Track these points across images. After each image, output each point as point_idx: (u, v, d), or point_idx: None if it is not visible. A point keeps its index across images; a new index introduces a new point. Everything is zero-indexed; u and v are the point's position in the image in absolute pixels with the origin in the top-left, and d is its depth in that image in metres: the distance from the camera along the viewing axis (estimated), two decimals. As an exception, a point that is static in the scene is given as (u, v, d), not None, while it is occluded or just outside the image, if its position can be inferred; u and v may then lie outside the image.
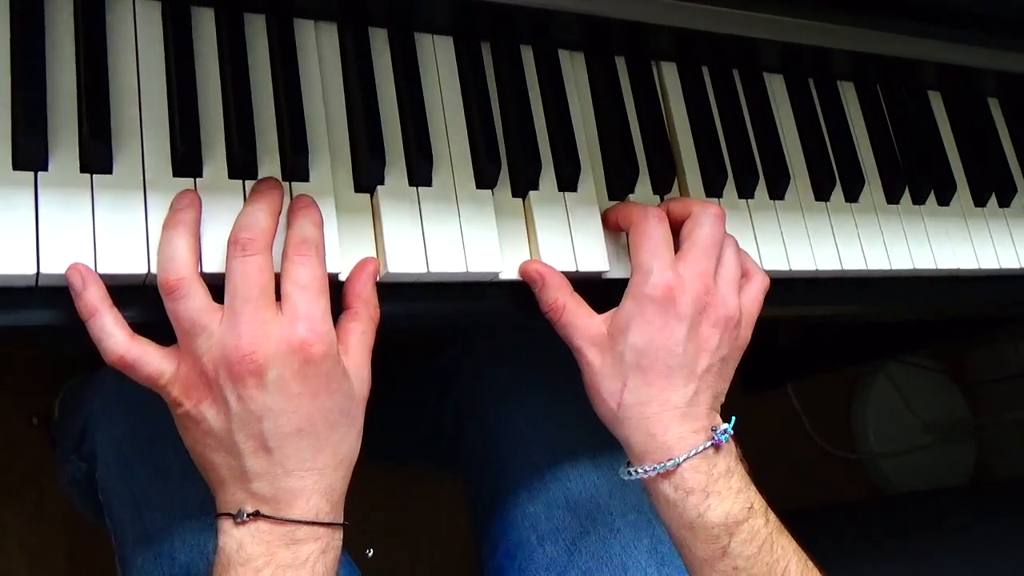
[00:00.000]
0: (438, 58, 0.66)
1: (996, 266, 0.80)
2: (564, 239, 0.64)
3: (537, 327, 0.63)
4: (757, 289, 0.64)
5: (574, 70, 0.70)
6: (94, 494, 0.77)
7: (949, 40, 0.78)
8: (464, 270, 0.60)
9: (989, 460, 1.84)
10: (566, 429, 0.79)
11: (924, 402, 1.78)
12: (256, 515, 0.52)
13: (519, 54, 0.68)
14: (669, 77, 0.74)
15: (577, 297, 0.62)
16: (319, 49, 0.62)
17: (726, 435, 0.59)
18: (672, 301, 0.59)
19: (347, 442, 0.55)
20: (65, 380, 1.10)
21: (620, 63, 0.72)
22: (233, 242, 0.52)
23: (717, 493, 0.58)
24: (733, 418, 0.61)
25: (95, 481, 0.76)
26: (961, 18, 0.76)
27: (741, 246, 0.65)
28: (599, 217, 0.66)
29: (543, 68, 0.68)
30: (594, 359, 0.61)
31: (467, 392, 0.85)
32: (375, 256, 0.59)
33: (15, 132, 0.51)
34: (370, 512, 1.32)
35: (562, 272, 0.63)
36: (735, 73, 0.76)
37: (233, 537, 0.52)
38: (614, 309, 0.61)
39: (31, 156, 0.51)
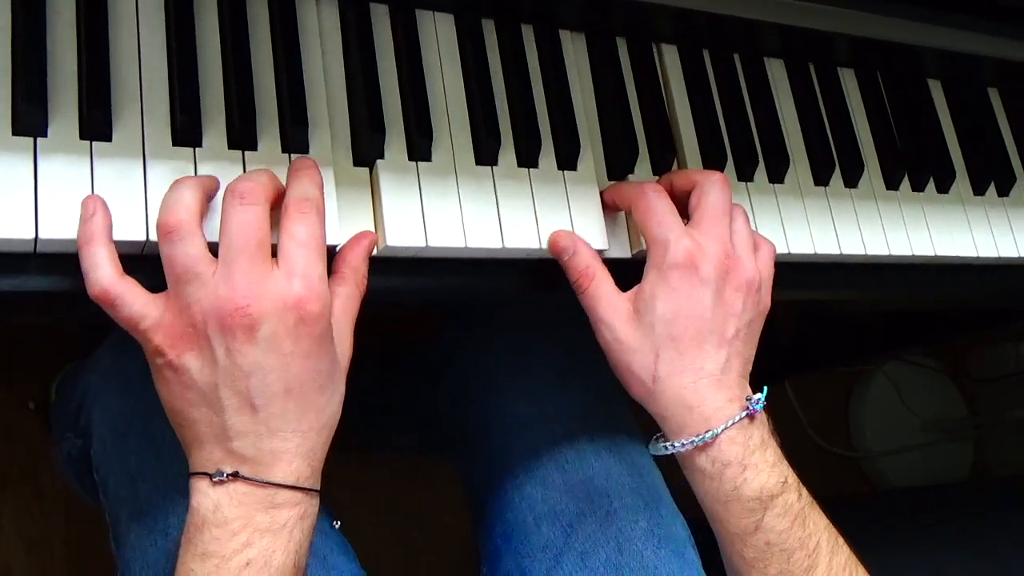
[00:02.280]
0: (439, 35, 0.66)
1: (995, 254, 0.80)
2: (563, 217, 0.64)
3: (536, 305, 0.63)
4: (768, 255, 0.64)
5: (575, 51, 0.70)
6: (90, 472, 0.77)
7: (950, 27, 0.78)
8: (463, 245, 0.60)
9: (987, 459, 1.84)
10: (563, 411, 0.79)
11: (922, 400, 1.78)
12: (235, 476, 0.51)
13: (520, 32, 0.68)
14: (670, 59, 0.74)
15: (606, 270, 0.61)
16: (320, 23, 0.62)
17: (760, 404, 0.59)
18: (695, 267, 0.58)
19: (331, 406, 0.54)
20: (63, 366, 1.10)
21: (621, 45, 0.72)
22: (231, 191, 0.51)
23: (754, 466, 0.58)
24: (765, 388, 0.60)
25: (91, 459, 0.76)
26: (963, 5, 0.76)
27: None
28: (598, 196, 0.66)
29: (544, 47, 0.68)
30: (622, 334, 0.60)
31: (463, 376, 0.85)
32: (374, 230, 0.59)
33: (15, 98, 0.51)
34: (367, 502, 1.32)
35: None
36: (736, 57, 0.76)
37: (209, 497, 0.51)
38: (636, 287, 0.60)
39: (31, 122, 0.51)
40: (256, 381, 0.50)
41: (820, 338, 1.50)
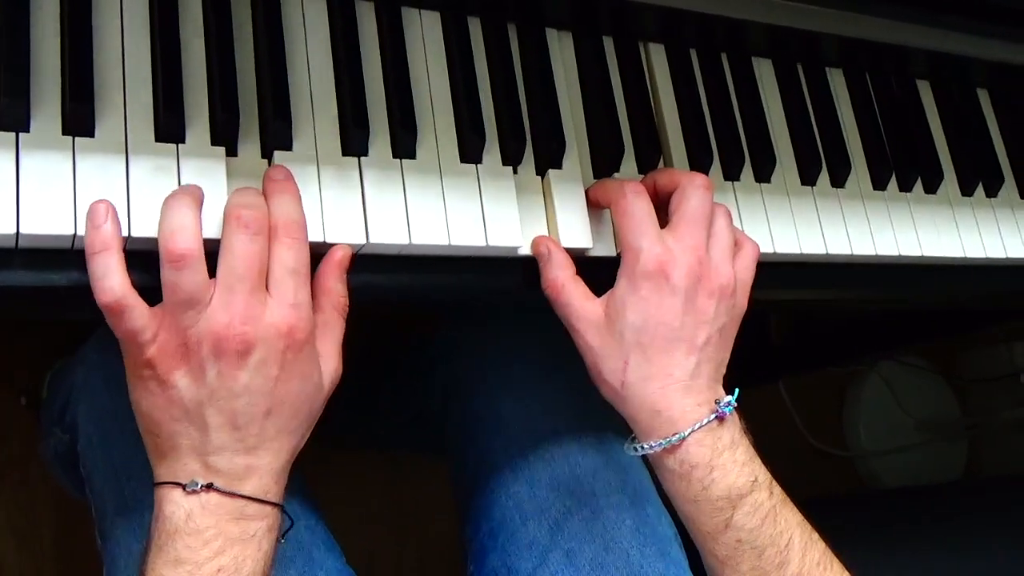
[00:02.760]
0: (425, 33, 0.66)
1: (982, 255, 0.80)
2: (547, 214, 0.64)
3: (523, 305, 0.63)
4: (749, 256, 0.64)
5: (561, 49, 0.70)
6: (76, 467, 0.77)
7: (939, 27, 0.78)
8: (447, 243, 0.61)
9: (980, 459, 1.85)
10: (551, 410, 0.80)
11: (916, 400, 1.78)
12: (209, 487, 0.52)
13: (506, 30, 0.68)
14: (657, 59, 0.74)
15: (577, 279, 0.62)
16: (305, 20, 0.62)
17: (729, 407, 0.60)
18: (665, 275, 0.59)
19: (302, 430, 0.56)
20: (55, 361, 1.11)
21: (608, 43, 0.72)
22: (236, 217, 0.52)
23: (721, 466, 0.59)
24: (736, 390, 0.61)
25: (77, 454, 0.76)
26: (952, 5, 0.76)
27: (725, 227, 0.65)
28: (583, 194, 0.66)
29: (529, 46, 0.68)
30: (593, 340, 0.61)
31: (453, 373, 0.85)
32: (360, 226, 0.59)
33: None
34: (357, 501, 1.33)
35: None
36: (723, 57, 0.77)
37: (181, 507, 0.52)
38: (609, 291, 0.61)
39: (13, 117, 0.51)
40: (243, 402, 0.52)
41: (814, 338, 1.50)
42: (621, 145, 0.68)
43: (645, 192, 0.62)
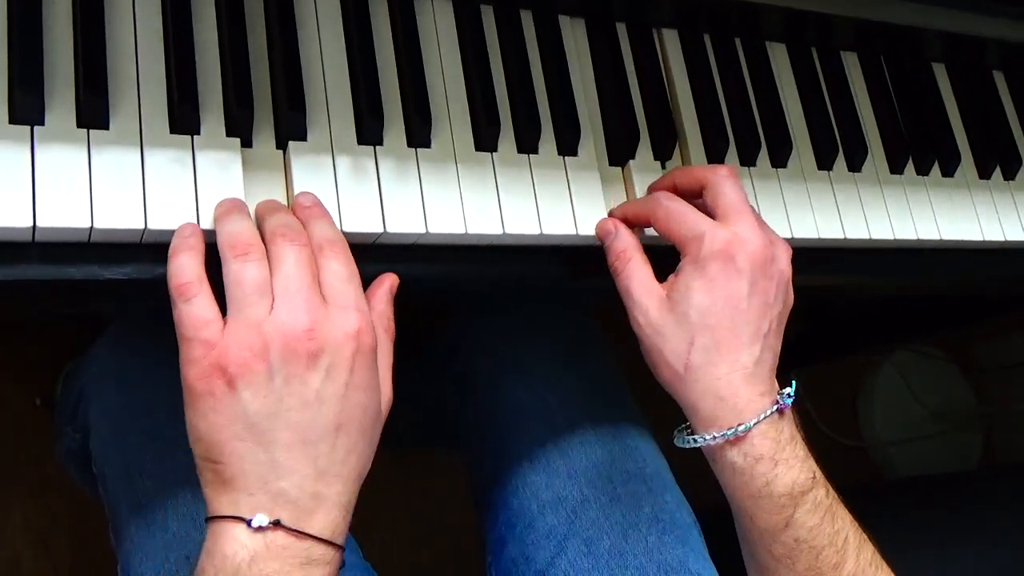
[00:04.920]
0: (438, 22, 0.65)
1: (1000, 238, 0.80)
2: (564, 203, 0.64)
3: (537, 295, 0.62)
4: (788, 254, 0.63)
5: (575, 36, 0.70)
6: (89, 467, 0.76)
7: (955, 8, 0.78)
8: (463, 231, 0.60)
9: (995, 448, 1.84)
10: (567, 400, 0.79)
11: (930, 390, 1.77)
12: (276, 524, 0.48)
13: (519, 18, 0.67)
14: (671, 45, 0.73)
15: (645, 257, 0.61)
16: (318, 10, 0.62)
17: (790, 399, 0.58)
18: (731, 257, 0.58)
19: (370, 452, 0.53)
20: (69, 362, 1.11)
21: (621, 30, 0.72)
22: (280, 234, 0.51)
23: (784, 461, 0.57)
24: (794, 382, 0.59)
25: (90, 453, 0.76)
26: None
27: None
28: (599, 181, 0.65)
29: (543, 33, 0.68)
30: (655, 318, 0.59)
31: (470, 365, 0.85)
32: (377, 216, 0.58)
33: (11, 86, 0.51)
34: (371, 496, 1.32)
35: (561, 235, 0.63)
36: (737, 42, 0.76)
37: (244, 546, 0.47)
38: (670, 277, 0.60)
39: (28, 110, 0.51)
40: (311, 413, 0.49)
41: (828, 328, 1.49)
42: (636, 132, 0.68)
43: (674, 194, 0.62)
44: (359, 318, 0.51)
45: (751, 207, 0.61)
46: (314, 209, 0.55)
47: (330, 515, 0.50)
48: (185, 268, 0.50)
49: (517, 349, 0.83)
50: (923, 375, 1.78)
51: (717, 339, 0.57)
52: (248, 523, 0.48)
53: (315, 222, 0.54)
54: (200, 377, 0.48)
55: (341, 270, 0.52)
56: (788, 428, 0.58)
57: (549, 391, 0.80)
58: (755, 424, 0.57)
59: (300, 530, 0.48)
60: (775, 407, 0.58)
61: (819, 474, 0.59)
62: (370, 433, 0.52)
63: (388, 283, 0.57)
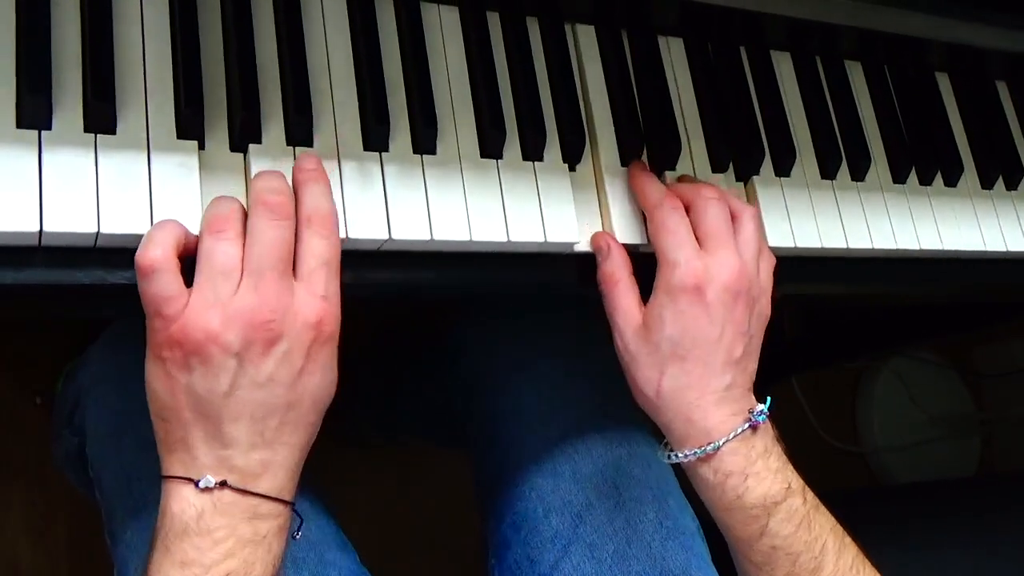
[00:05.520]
0: (444, 28, 0.65)
1: (1003, 248, 0.80)
2: (568, 211, 0.64)
3: (541, 303, 0.62)
4: (769, 266, 0.65)
5: (582, 43, 0.70)
6: (86, 469, 0.76)
7: (958, 19, 0.78)
8: (467, 239, 0.60)
9: (993, 454, 1.84)
10: (575, 404, 0.80)
11: (929, 396, 1.78)
12: (223, 484, 0.50)
13: (525, 25, 0.67)
14: (676, 53, 0.74)
15: (633, 281, 0.63)
16: (324, 15, 0.62)
17: (763, 416, 0.60)
18: (702, 291, 0.59)
19: (316, 427, 0.54)
20: (71, 361, 1.11)
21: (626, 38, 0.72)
22: (262, 202, 0.51)
23: (755, 474, 0.59)
24: (768, 399, 0.61)
25: (87, 456, 0.76)
26: (970, -5, 0.75)
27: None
28: (607, 190, 0.65)
29: (549, 40, 0.68)
30: (632, 345, 0.61)
31: (476, 366, 0.85)
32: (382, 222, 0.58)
33: (19, 90, 0.51)
34: (371, 498, 1.32)
35: (564, 243, 0.63)
36: (742, 50, 0.76)
37: (192, 504, 0.50)
38: (648, 302, 0.61)
39: (35, 114, 0.51)
40: (263, 394, 0.50)
41: (826, 334, 1.49)
42: (641, 139, 0.68)
43: (682, 206, 0.62)
44: (324, 307, 0.51)
45: (731, 233, 0.62)
46: (312, 173, 0.54)
47: (276, 477, 0.52)
48: (149, 247, 0.50)
49: (523, 352, 0.83)
50: (922, 381, 1.78)
51: (687, 370, 0.60)
52: (196, 484, 0.50)
53: (310, 187, 0.54)
54: (158, 346, 0.50)
55: (320, 250, 0.52)
56: (761, 442, 0.60)
57: (556, 395, 0.80)
58: (724, 443, 0.59)
59: (247, 489, 0.50)
60: (746, 425, 0.60)
61: (796, 483, 0.61)
62: (323, 406, 0.54)
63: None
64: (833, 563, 0.60)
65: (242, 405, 0.50)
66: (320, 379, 0.52)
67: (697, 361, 0.59)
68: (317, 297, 0.51)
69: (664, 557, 0.72)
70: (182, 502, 0.50)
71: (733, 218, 0.63)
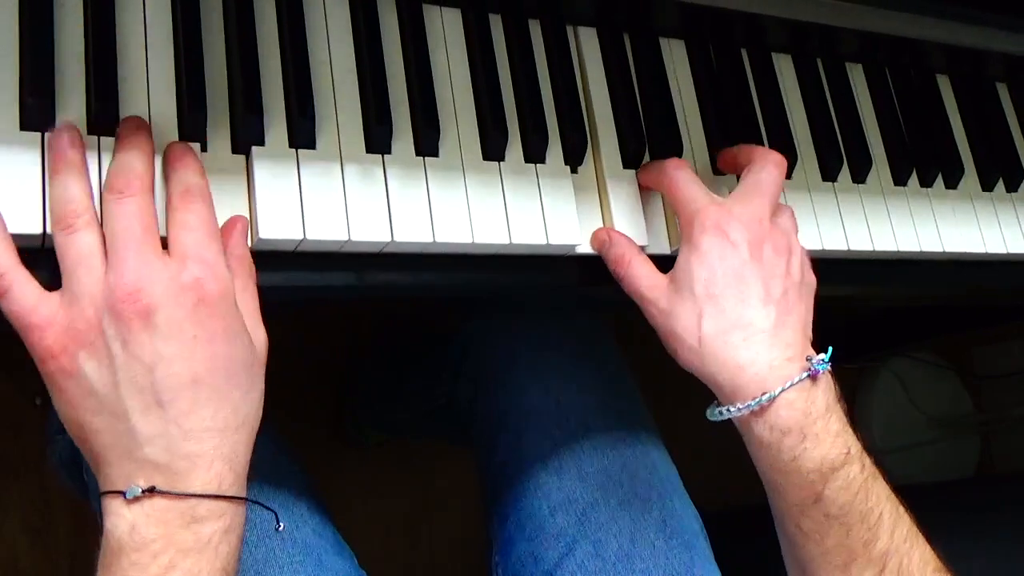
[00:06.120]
0: (446, 30, 0.65)
1: (1003, 250, 0.80)
2: (570, 213, 0.64)
3: (547, 303, 0.62)
4: (799, 245, 0.63)
5: (586, 46, 0.70)
6: (81, 474, 0.75)
7: (958, 21, 0.78)
8: (470, 241, 0.60)
9: (993, 455, 1.84)
10: (581, 403, 0.80)
11: (928, 397, 1.78)
12: (151, 491, 0.46)
13: (527, 27, 0.68)
14: (677, 54, 0.74)
15: (643, 255, 0.62)
16: (327, 18, 0.62)
17: (824, 364, 0.55)
18: (723, 231, 0.58)
19: (249, 401, 0.50)
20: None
21: (627, 40, 0.72)
22: (108, 188, 0.49)
23: (814, 435, 0.54)
24: (830, 348, 0.57)
25: (81, 460, 0.75)
26: (971, -1, 0.76)
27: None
28: (608, 190, 0.66)
29: (551, 43, 0.68)
30: (663, 302, 0.59)
31: (483, 363, 0.85)
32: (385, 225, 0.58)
33: (22, 92, 0.51)
34: (367, 503, 1.33)
35: (567, 245, 0.63)
36: (743, 52, 0.76)
37: (124, 518, 0.46)
38: (675, 262, 0.61)
39: (38, 116, 0.51)
40: (160, 373, 0.46)
41: (824, 336, 1.49)
42: (643, 141, 0.68)
43: (686, 163, 0.62)
44: (200, 267, 0.47)
45: (773, 194, 0.61)
46: (180, 158, 0.52)
47: (212, 470, 0.47)
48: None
49: (531, 350, 0.83)
50: (921, 382, 1.78)
51: (724, 307, 0.57)
52: (123, 495, 0.46)
53: (177, 170, 0.51)
54: (42, 361, 0.47)
55: (188, 218, 0.49)
56: (823, 398, 0.55)
57: (562, 393, 0.80)
58: (780, 392, 0.54)
59: (178, 491, 0.46)
60: (805, 373, 0.55)
61: (855, 448, 0.56)
62: (242, 381, 0.49)
63: (240, 225, 0.54)
64: (888, 535, 0.56)
65: (142, 393, 0.46)
66: (225, 345, 0.48)
67: (733, 298, 0.56)
68: (187, 258, 0.48)
69: (667, 556, 0.72)
70: (114, 517, 0.46)
71: None
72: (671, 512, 0.75)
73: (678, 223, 0.62)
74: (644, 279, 0.61)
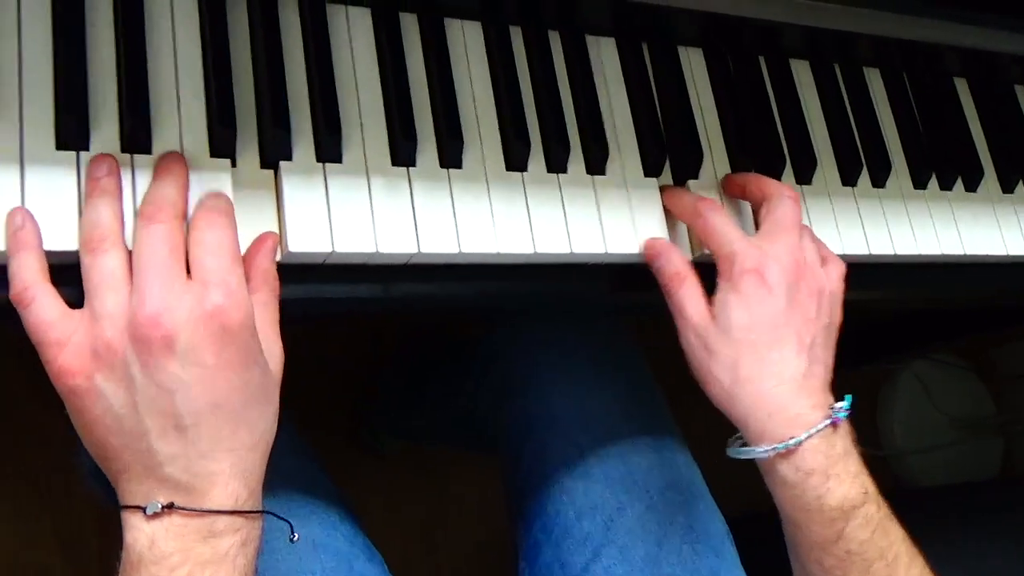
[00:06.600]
0: (467, 43, 0.66)
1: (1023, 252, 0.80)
2: (593, 222, 0.65)
3: (570, 311, 0.63)
4: (839, 271, 0.65)
5: (603, 56, 0.71)
6: (108, 481, 0.76)
7: (975, 25, 0.78)
8: (495, 251, 0.61)
9: (1016, 456, 1.83)
10: (606, 409, 0.80)
11: (950, 398, 1.77)
12: (170, 507, 0.47)
13: (547, 38, 0.68)
14: (695, 62, 0.74)
15: (696, 276, 0.62)
16: (351, 34, 0.63)
17: (844, 412, 0.59)
18: (762, 275, 0.59)
19: (264, 420, 0.51)
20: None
21: (646, 49, 0.73)
22: (140, 214, 0.50)
23: (836, 476, 0.58)
24: (848, 396, 0.60)
25: None
26: (987, 3, 0.76)
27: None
28: (628, 200, 0.66)
29: (571, 53, 0.69)
30: (705, 338, 0.60)
31: (505, 371, 0.86)
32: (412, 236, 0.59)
33: (58, 113, 0.53)
34: (389, 509, 1.33)
35: (591, 254, 0.64)
36: (761, 59, 0.77)
37: (144, 532, 0.47)
38: (713, 297, 0.61)
39: (74, 137, 0.52)
40: (180, 398, 0.47)
41: (846, 338, 1.49)
42: (664, 150, 0.69)
43: (719, 206, 0.63)
44: (222, 293, 0.48)
45: (799, 228, 0.62)
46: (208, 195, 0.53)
47: (228, 487, 0.49)
48: (18, 274, 0.48)
49: (553, 357, 0.84)
50: (943, 383, 1.77)
51: (760, 355, 0.59)
52: (144, 511, 0.47)
53: (201, 196, 0.53)
54: (58, 378, 0.48)
55: (211, 241, 0.50)
56: (841, 442, 0.59)
57: (588, 398, 0.81)
58: (807, 438, 0.57)
59: (196, 508, 0.48)
60: (828, 421, 0.58)
61: (872, 489, 0.59)
62: (259, 402, 0.50)
63: (270, 242, 0.55)
64: (904, 571, 0.59)
65: (162, 417, 0.47)
66: (243, 372, 0.49)
67: (770, 346, 0.59)
68: (211, 284, 0.48)
69: (694, 561, 0.72)
70: (134, 531, 0.48)
71: None
72: (697, 516, 0.75)
73: (715, 258, 0.62)
74: (692, 306, 0.61)
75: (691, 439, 0.82)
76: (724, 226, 0.62)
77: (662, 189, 0.67)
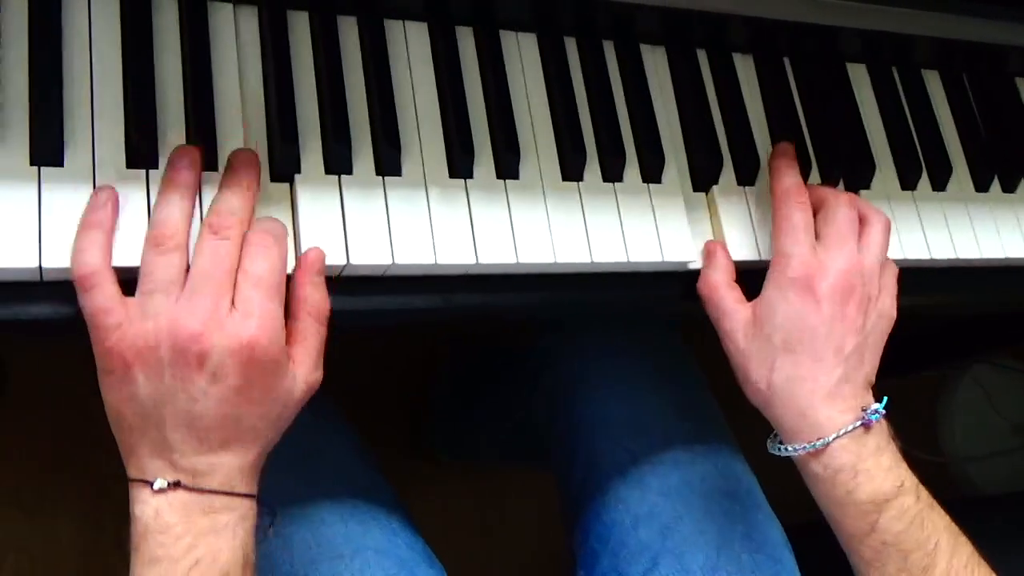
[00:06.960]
0: (523, 55, 0.67)
1: (1090, 254, 0.78)
2: (649, 230, 0.65)
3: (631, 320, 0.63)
4: (893, 272, 0.65)
5: (656, 64, 0.71)
6: None
7: (1035, 24, 0.77)
8: (552, 260, 0.62)
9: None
10: (661, 416, 0.80)
11: (1011, 404, 1.73)
12: (176, 485, 0.51)
13: (601, 49, 0.69)
14: (747, 69, 0.74)
15: (734, 284, 0.64)
16: (408, 49, 0.64)
17: (876, 415, 0.60)
18: (811, 285, 0.60)
19: (273, 432, 0.55)
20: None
21: (702, 57, 0.73)
22: (207, 224, 0.53)
23: (866, 471, 0.59)
24: (885, 399, 0.62)
25: None
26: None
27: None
28: (683, 207, 0.66)
29: (625, 62, 0.69)
30: (742, 342, 0.62)
31: (558, 379, 0.86)
32: (469, 246, 0.60)
33: (128, 132, 0.54)
34: (445, 516, 1.34)
35: (648, 262, 0.64)
36: (817, 63, 0.76)
37: (150, 505, 0.51)
38: (758, 296, 0.62)
39: (143, 156, 0.54)
40: (200, 408, 0.51)
41: (906, 342, 1.46)
42: (720, 157, 0.69)
43: (809, 206, 0.63)
44: (260, 328, 0.51)
45: (854, 236, 0.63)
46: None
47: (229, 475, 0.53)
48: (85, 253, 0.51)
49: (606, 363, 0.84)
50: (1004, 389, 1.74)
51: (797, 362, 0.60)
52: (151, 485, 0.51)
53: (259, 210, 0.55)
54: (102, 357, 0.51)
55: (256, 273, 0.52)
56: (874, 440, 0.60)
57: (641, 406, 0.81)
58: (834, 439, 0.59)
59: (198, 487, 0.52)
60: (859, 423, 0.60)
61: (909, 481, 0.61)
62: (273, 417, 0.54)
63: (310, 259, 0.56)
64: (946, 561, 0.60)
65: (179, 416, 0.51)
66: (262, 397, 0.52)
67: (807, 353, 0.60)
68: (252, 317, 0.51)
69: (754, 570, 0.72)
70: (140, 504, 0.52)
71: (861, 222, 0.64)
72: (755, 524, 0.75)
73: (773, 251, 0.63)
74: (728, 309, 0.63)
75: (748, 446, 0.81)
76: (799, 224, 0.62)
77: (777, 148, 0.68)
